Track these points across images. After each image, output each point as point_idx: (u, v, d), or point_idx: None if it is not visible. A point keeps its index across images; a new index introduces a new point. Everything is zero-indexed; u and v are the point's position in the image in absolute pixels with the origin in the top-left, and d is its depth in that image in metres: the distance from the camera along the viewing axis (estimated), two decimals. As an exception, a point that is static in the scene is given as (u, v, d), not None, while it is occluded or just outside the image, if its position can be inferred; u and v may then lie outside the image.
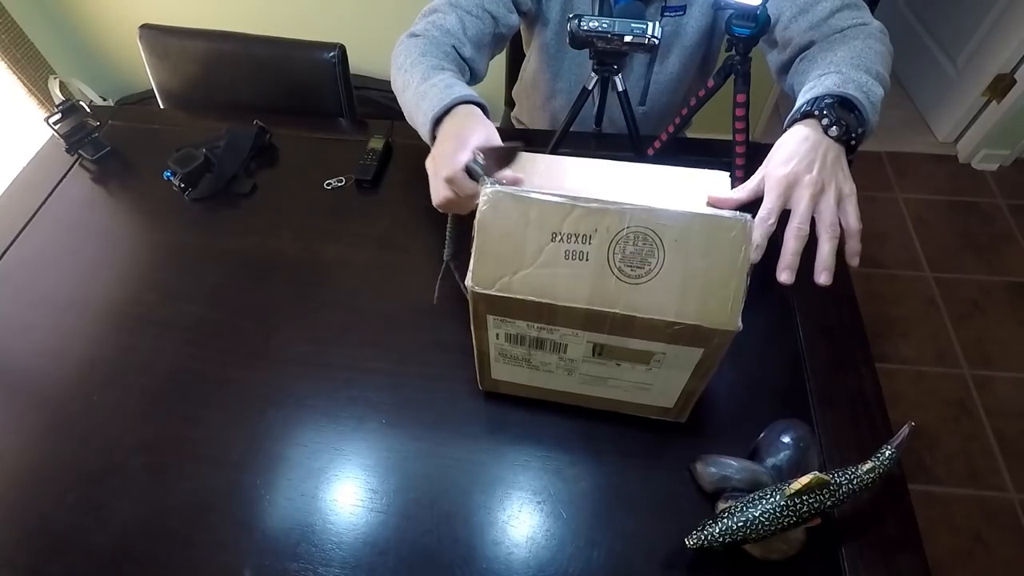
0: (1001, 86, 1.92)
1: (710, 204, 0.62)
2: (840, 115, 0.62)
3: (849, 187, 0.60)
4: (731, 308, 0.51)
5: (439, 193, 0.64)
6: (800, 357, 0.74)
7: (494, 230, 0.51)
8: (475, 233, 0.52)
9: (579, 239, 0.50)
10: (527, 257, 0.52)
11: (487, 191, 0.51)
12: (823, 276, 0.58)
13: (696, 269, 0.50)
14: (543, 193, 0.51)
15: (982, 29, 1.96)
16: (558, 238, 0.50)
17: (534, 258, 0.51)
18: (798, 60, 0.78)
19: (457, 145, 0.62)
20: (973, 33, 1.99)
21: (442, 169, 0.62)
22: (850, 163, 0.64)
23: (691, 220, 0.49)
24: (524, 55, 1.13)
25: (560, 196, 0.50)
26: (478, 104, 0.70)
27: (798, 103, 0.67)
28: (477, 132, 0.64)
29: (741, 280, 0.50)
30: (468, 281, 0.53)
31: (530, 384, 0.66)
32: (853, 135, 0.62)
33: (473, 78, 0.87)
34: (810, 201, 0.59)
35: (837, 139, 0.62)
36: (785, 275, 0.58)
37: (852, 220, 0.59)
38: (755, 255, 0.58)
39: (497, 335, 0.59)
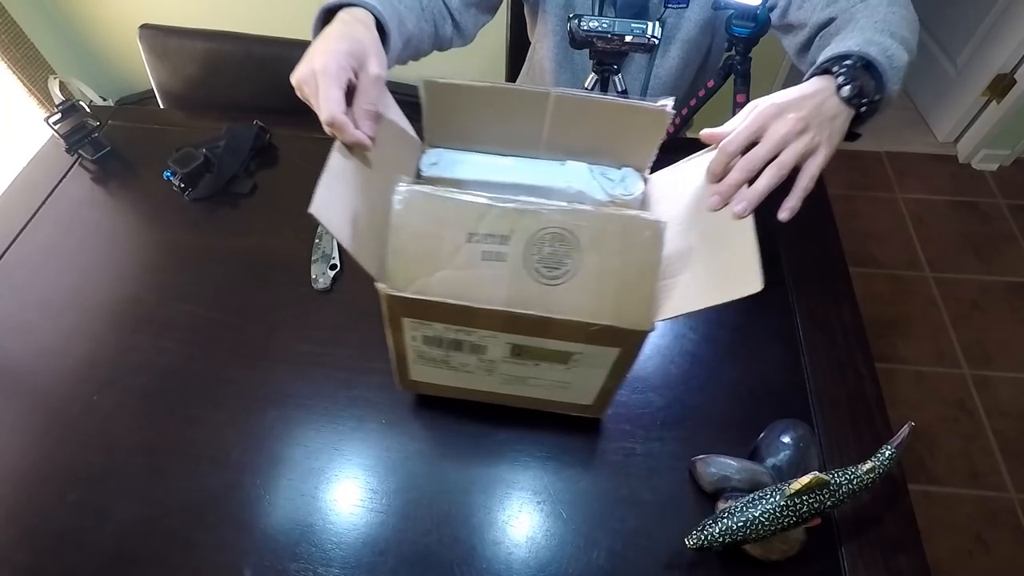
0: (1001, 86, 1.92)
1: (704, 139, 0.58)
2: (857, 75, 0.57)
3: (828, 149, 0.56)
4: (647, 308, 0.51)
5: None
6: (800, 357, 0.74)
7: (408, 231, 0.50)
8: (390, 234, 0.50)
9: (496, 239, 0.50)
10: (443, 258, 0.50)
11: (400, 189, 0.49)
12: (740, 206, 0.54)
13: (612, 268, 0.50)
14: (459, 192, 0.49)
15: (982, 29, 1.96)
16: (475, 238, 0.50)
17: (450, 259, 0.50)
18: (819, 37, 0.74)
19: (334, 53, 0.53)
20: (973, 33, 1.99)
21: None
22: (855, 136, 0.61)
23: (606, 220, 0.49)
24: (524, 50, 1.12)
25: (476, 195, 0.49)
26: (379, 18, 0.61)
27: (818, 60, 0.62)
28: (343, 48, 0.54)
29: (655, 280, 0.50)
30: (379, 284, 0.51)
31: (450, 385, 0.65)
32: (865, 100, 0.57)
33: (457, 32, 0.83)
34: (783, 138, 0.54)
35: (847, 100, 0.57)
36: (713, 201, 0.55)
37: (807, 176, 0.56)
38: (707, 178, 0.57)
39: (414, 337, 0.58)
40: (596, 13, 0.88)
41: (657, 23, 0.71)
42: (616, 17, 0.72)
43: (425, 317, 0.54)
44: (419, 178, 0.64)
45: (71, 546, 0.63)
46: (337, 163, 0.51)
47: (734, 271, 0.51)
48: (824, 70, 0.59)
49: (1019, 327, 1.69)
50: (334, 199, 0.49)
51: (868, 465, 0.56)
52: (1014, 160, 2.07)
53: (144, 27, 1.17)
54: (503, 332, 0.54)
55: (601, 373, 0.59)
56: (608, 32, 0.71)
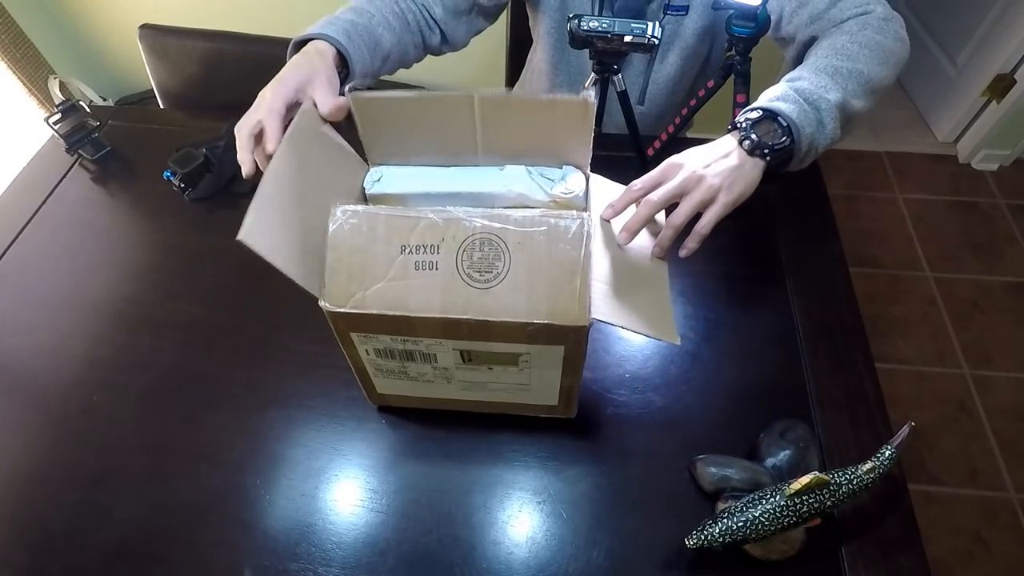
0: (1001, 86, 1.92)
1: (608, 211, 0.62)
2: (757, 130, 0.62)
3: (728, 196, 0.60)
4: (579, 304, 0.51)
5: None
6: (800, 357, 0.74)
7: (343, 248, 0.52)
8: (328, 252, 0.53)
9: (427, 249, 0.52)
10: (378, 271, 0.52)
11: (336, 210, 0.52)
12: (655, 250, 0.60)
13: (541, 268, 0.51)
14: (389, 208, 0.53)
15: (982, 29, 1.96)
16: (407, 250, 0.52)
17: (385, 272, 0.52)
18: (807, 55, 0.76)
19: (274, 93, 0.63)
20: (973, 33, 1.99)
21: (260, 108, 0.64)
22: (775, 177, 0.63)
23: (532, 222, 0.51)
24: (524, 53, 1.12)
25: (406, 210, 0.52)
26: (336, 46, 0.69)
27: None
28: (291, 77, 0.64)
29: (586, 276, 0.51)
30: (321, 301, 0.53)
31: (415, 395, 0.66)
32: (767, 150, 0.61)
33: (446, 41, 0.86)
34: (678, 185, 0.59)
35: (749, 152, 0.61)
36: (622, 236, 0.60)
37: (703, 221, 0.60)
38: (607, 212, 0.62)
39: (366, 351, 0.59)
40: (595, 13, 0.88)
41: (657, 23, 0.70)
42: (615, 17, 0.72)
43: (369, 330, 0.56)
44: (364, 196, 0.65)
45: (71, 546, 0.63)
46: (268, 190, 0.52)
47: (657, 314, 0.58)
48: (732, 126, 0.64)
49: (1019, 327, 1.69)
50: (266, 224, 0.50)
51: (868, 465, 0.56)
52: (1014, 160, 2.07)
53: (144, 27, 1.17)
54: (445, 338, 0.56)
55: (555, 372, 0.59)
56: (608, 32, 0.71)
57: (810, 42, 0.76)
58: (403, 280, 0.52)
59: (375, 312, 0.53)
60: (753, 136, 0.61)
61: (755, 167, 0.62)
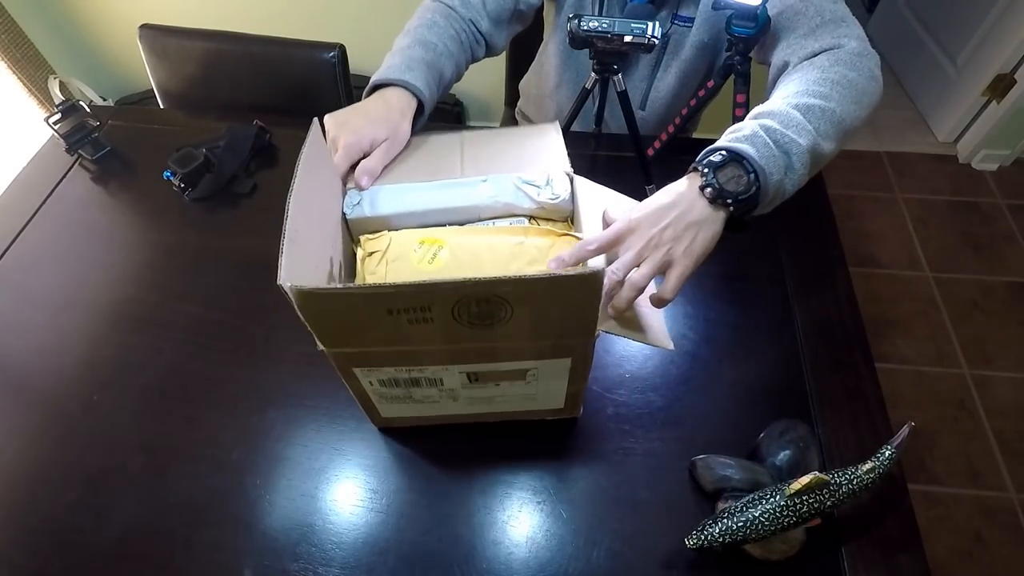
0: (1001, 86, 1.92)
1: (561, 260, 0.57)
2: (720, 175, 0.56)
3: (688, 259, 0.55)
4: (588, 327, 0.51)
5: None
6: (800, 357, 0.74)
7: (326, 317, 0.48)
8: (307, 320, 0.48)
9: (417, 311, 0.47)
10: (369, 331, 0.49)
11: (302, 289, 0.45)
12: (607, 309, 0.56)
13: (549, 314, 0.49)
14: (362, 287, 0.48)
15: (982, 29, 1.96)
16: (395, 312, 0.47)
17: (377, 328, 0.49)
18: (779, 79, 0.73)
19: (357, 127, 0.67)
20: (973, 33, 1.99)
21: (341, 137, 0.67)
22: (741, 226, 0.58)
23: (532, 284, 0.45)
24: (526, 54, 1.13)
25: (381, 286, 0.45)
26: (417, 96, 0.73)
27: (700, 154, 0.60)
28: (380, 128, 0.67)
29: (596, 311, 0.49)
30: (320, 345, 0.51)
31: (421, 415, 0.65)
32: (729, 199, 0.55)
33: (489, 51, 0.90)
34: (635, 255, 0.55)
35: (712, 201, 0.56)
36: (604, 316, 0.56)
37: (666, 290, 0.55)
38: (552, 266, 0.57)
39: (370, 382, 0.57)
40: (597, 13, 0.88)
41: (656, 23, 0.71)
42: (616, 17, 0.72)
43: (373, 364, 0.55)
44: (344, 221, 0.63)
45: (71, 546, 0.63)
46: (294, 224, 0.50)
47: (648, 320, 0.59)
48: (694, 167, 0.58)
49: (1019, 327, 1.69)
50: (296, 263, 0.47)
51: (868, 465, 0.56)
52: (1014, 160, 2.07)
53: (144, 27, 1.17)
54: (452, 364, 0.55)
55: (561, 382, 0.59)
56: (608, 32, 0.71)
57: (783, 66, 0.73)
58: (398, 331, 0.49)
59: (379, 350, 0.51)
60: (716, 183, 0.55)
61: (716, 221, 0.56)
